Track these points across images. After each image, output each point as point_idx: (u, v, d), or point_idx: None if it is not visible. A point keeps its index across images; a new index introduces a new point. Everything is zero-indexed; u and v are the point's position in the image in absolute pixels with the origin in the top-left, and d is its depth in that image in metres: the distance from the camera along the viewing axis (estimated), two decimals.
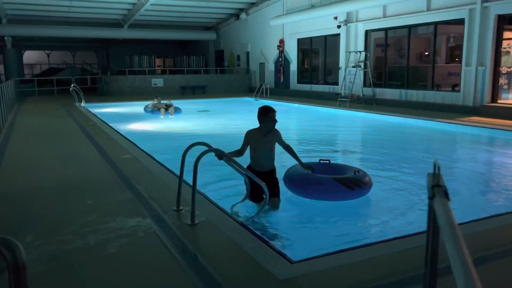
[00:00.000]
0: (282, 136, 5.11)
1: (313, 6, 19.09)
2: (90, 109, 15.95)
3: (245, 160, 5.12)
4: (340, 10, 17.29)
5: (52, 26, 24.64)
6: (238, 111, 17.27)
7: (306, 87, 21.01)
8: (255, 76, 25.79)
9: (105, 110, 16.97)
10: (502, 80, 12.73)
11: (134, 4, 23.12)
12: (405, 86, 15.71)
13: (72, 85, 18.27)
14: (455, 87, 14.26)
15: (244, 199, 5.07)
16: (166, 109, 14.79)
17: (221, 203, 4.96)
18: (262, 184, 4.53)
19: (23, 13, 23.22)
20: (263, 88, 21.76)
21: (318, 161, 5.67)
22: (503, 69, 12.68)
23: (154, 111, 14.82)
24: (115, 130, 10.69)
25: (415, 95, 15.13)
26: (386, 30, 16.32)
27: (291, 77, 22.17)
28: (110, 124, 11.80)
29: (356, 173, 5.24)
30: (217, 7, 24.78)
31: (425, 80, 15.52)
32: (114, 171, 6.47)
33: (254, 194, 4.97)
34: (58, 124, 12.11)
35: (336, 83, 19.09)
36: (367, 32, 17.08)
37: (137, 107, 16.76)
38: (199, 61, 28.91)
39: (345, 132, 12.32)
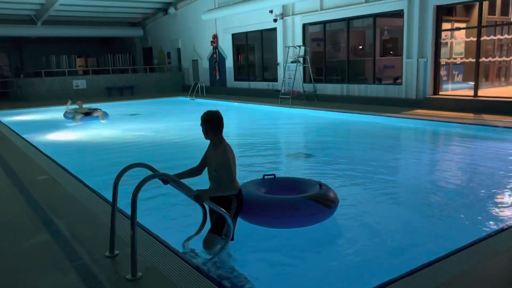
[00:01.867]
0: (227, 160, 3.70)
1: None
2: None
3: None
4: (276, 3, 16.57)
5: None
6: (174, 113, 15.96)
7: (244, 84, 20.11)
8: (188, 74, 24.43)
9: (18, 118, 14.84)
10: (442, 72, 12.71)
11: None
12: (346, 81, 15.36)
13: None
14: (396, 79, 14.12)
15: (198, 232, 3.98)
16: (88, 114, 13.10)
17: (171, 238, 3.86)
18: (222, 212, 3.51)
19: None
20: (198, 87, 20.54)
21: (262, 177, 4.68)
22: (443, 61, 12.65)
23: (82, 118, 12.98)
24: (29, 143, 9.02)
25: (357, 89, 14.81)
26: (324, 23, 15.85)
27: (228, 74, 21.15)
28: (23, 136, 10.04)
29: (321, 187, 4.36)
30: (142, 0, 23.02)
31: (364, 74, 15.28)
32: (25, 200, 5.08)
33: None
34: None
35: (275, 80, 18.40)
36: (304, 26, 16.51)
37: (57, 112, 14.81)
38: (126, 60, 26.87)
39: (291, 132, 11.58)
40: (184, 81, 24.74)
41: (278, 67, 17.91)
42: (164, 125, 12.77)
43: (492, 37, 12.35)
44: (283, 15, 17.12)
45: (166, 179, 3.35)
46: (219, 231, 3.67)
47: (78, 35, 25.83)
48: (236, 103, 17.21)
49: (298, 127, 12.28)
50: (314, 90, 15.98)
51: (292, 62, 16.18)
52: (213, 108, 3.92)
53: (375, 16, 13.97)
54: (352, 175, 6.47)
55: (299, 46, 15.87)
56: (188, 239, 3.91)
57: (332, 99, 15.36)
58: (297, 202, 3.94)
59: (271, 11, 17.45)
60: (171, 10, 23.83)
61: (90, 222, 4.33)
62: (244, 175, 5.88)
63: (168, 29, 24.99)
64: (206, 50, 22.33)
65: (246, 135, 10.74)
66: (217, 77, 21.81)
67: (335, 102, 15.02)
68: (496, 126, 9.30)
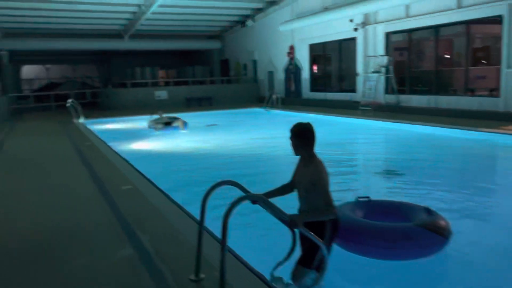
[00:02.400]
0: (320, 179, 3.27)
1: (326, 9, 17.79)
2: (89, 126, 14.63)
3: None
4: (357, 12, 15.98)
5: (50, 39, 23.48)
6: (249, 124, 15.93)
7: (320, 95, 19.63)
8: (263, 85, 24.46)
9: (105, 126, 15.65)
10: None
11: (134, 13, 21.93)
12: (433, 92, 14.29)
13: (69, 101, 16.97)
14: (492, 91, 12.85)
15: (287, 258, 3.62)
16: (168, 124, 13.43)
17: (256, 261, 3.56)
18: (317, 242, 3.13)
19: (20, 26, 22.10)
20: (273, 98, 20.41)
21: (356, 199, 4.24)
22: None
23: (162, 128, 13.37)
24: (115, 152, 9.33)
25: (445, 101, 13.69)
26: (409, 31, 14.94)
27: (303, 85, 20.81)
28: (110, 144, 10.46)
29: (430, 213, 3.82)
30: (221, 14, 23.55)
31: (453, 85, 14.14)
32: (112, 211, 5.10)
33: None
34: (51, 146, 10.76)
35: (353, 90, 17.71)
36: (387, 35, 15.71)
37: (140, 122, 15.43)
38: (205, 71, 27.64)
39: (374, 147, 10.91)
40: (259, 92, 24.80)
41: (357, 77, 17.22)
42: (241, 136, 12.71)
43: None
44: (364, 24, 16.45)
45: (258, 200, 3.06)
46: (309, 262, 3.28)
47: (160, 48, 27.08)
48: (311, 114, 16.77)
49: (381, 141, 11.57)
50: (397, 102, 15.08)
51: (373, 72, 15.44)
52: (302, 121, 3.51)
53: (468, 23, 12.85)
54: (452, 199, 5.77)
55: (382, 56, 15.10)
56: (277, 266, 3.57)
57: (417, 111, 14.34)
58: (410, 230, 3.44)
59: (351, 20, 16.87)
60: (249, 22, 24.10)
61: (174, 238, 4.18)
62: (339, 194, 5.47)
63: (244, 41, 25.30)
64: (282, 61, 22.21)
65: (324, 148, 10.28)
66: (292, 88, 21.55)
67: (420, 114, 14.00)
68: None
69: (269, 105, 20.03)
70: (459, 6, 12.85)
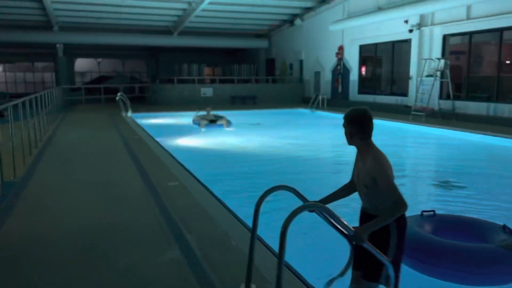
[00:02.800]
0: (382, 172, 2.76)
1: (380, 9, 17.16)
2: (137, 120, 14.85)
3: None
4: (413, 12, 15.28)
5: (102, 34, 24.18)
6: (293, 124, 15.62)
7: (368, 98, 18.99)
8: (309, 86, 24.05)
9: (152, 121, 15.85)
10: None
11: (184, 10, 22.16)
12: (493, 99, 13.40)
13: (118, 94, 17.34)
14: None
15: (344, 273, 3.31)
16: (213, 121, 13.37)
17: (310, 276, 3.29)
18: (381, 258, 2.80)
19: (74, 20, 22.87)
20: (319, 99, 19.98)
21: (420, 213, 3.83)
22: None
23: (207, 124, 13.34)
24: (162, 147, 9.32)
25: (507, 110, 12.79)
26: (469, 34, 14.10)
27: (351, 87, 20.23)
28: (157, 139, 10.49)
29: (506, 230, 3.41)
30: (270, 12, 23.34)
31: (509, 92, 13.21)
32: (158, 209, 4.98)
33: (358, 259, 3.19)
34: (100, 138, 10.94)
35: (404, 94, 16.99)
36: (445, 37, 14.92)
37: (186, 118, 15.50)
38: (250, 70, 27.58)
39: (429, 155, 10.32)
40: (304, 93, 24.41)
41: (409, 81, 16.49)
42: (284, 136, 12.43)
43: None
44: (420, 25, 15.71)
45: (322, 211, 2.77)
46: (376, 276, 2.94)
47: (208, 45, 27.25)
48: None
49: (436, 149, 10.96)
50: (453, 108, 14.27)
51: (427, 76, 14.70)
52: (360, 106, 3.03)
53: None
54: None
55: (438, 59, 14.34)
56: (331, 281, 3.27)
57: (474, 119, 13.49)
58: (497, 253, 3.06)
59: (406, 21, 16.17)
60: (297, 21, 23.75)
61: (222, 243, 3.98)
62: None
63: (292, 40, 24.96)
64: (329, 61, 21.71)
65: None
66: (339, 90, 21.01)
67: (478, 122, 13.16)
68: None
69: (315, 106, 19.62)
70: None
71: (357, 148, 2.97)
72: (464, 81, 14.63)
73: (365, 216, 2.98)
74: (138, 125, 13.37)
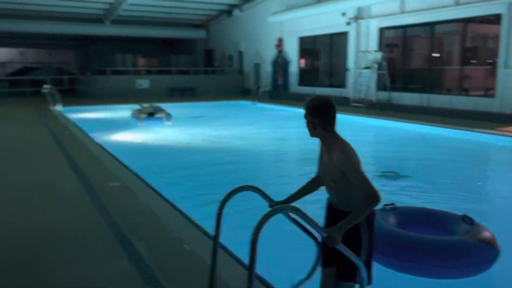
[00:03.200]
0: (350, 164, 2.57)
1: (318, 1, 17.31)
2: (67, 115, 13.76)
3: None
4: (350, 5, 15.56)
5: (25, 21, 22.19)
6: (238, 117, 15.36)
7: (309, 90, 19.19)
8: (249, 78, 23.89)
9: (85, 115, 14.81)
10: None
11: None
12: (426, 91, 14.04)
13: (46, 87, 16.00)
14: (487, 91, 12.69)
15: (311, 275, 3.10)
16: (152, 114, 12.70)
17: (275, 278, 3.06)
18: (354, 260, 2.61)
19: None
20: (260, 91, 19.90)
21: (382, 207, 3.70)
22: None
23: (145, 118, 12.61)
24: (98, 144, 8.64)
25: (439, 100, 13.45)
26: (404, 27, 14.62)
27: (291, 79, 20.34)
28: (91, 135, 9.73)
29: (466, 221, 3.41)
30: (208, 2, 22.76)
31: (447, 84, 13.93)
32: (100, 213, 4.49)
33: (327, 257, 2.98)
34: (27, 135, 9.94)
35: (343, 86, 17.36)
36: (381, 30, 15.37)
37: (121, 111, 14.65)
38: (189, 61, 26.83)
39: (371, 146, 10.55)
40: (244, 85, 24.23)
41: (347, 73, 16.86)
42: (229, 130, 12.15)
43: None
44: (357, 18, 16.06)
45: (295, 213, 2.52)
46: (352, 274, 2.68)
47: (143, 35, 26.09)
48: (302, 109, 16.32)
49: (377, 140, 11.23)
50: (389, 99, 14.78)
51: (365, 68, 15.07)
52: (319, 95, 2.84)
53: (465, 21, 12.59)
54: (474, 206, 5.39)
55: (376, 51, 14.74)
56: (297, 285, 3.05)
57: (410, 109, 14.09)
58: (466, 244, 3.01)
59: (343, 14, 16.46)
60: (236, 12, 23.42)
61: (176, 249, 3.62)
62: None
63: (231, 31, 24.62)
64: (269, 53, 21.66)
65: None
66: (280, 82, 21.05)
67: (413, 113, 13.75)
68: None
69: (257, 99, 19.52)
70: (457, 3, 12.57)
71: (321, 140, 2.75)
72: (399, 73, 15.18)
73: (333, 212, 2.78)
74: (69, 120, 12.39)
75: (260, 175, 7.08)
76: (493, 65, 14.20)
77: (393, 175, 7.19)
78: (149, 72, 24.67)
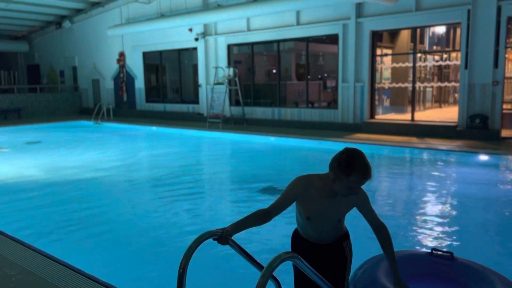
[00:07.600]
0: (367, 198, 2.48)
1: (162, 16, 16.73)
2: None
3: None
4: (196, 21, 15.36)
5: None
6: (80, 140, 13.58)
7: (158, 106, 18.35)
8: (86, 95, 21.72)
9: None
10: (376, 96, 12.82)
11: None
12: (276, 104, 14.75)
13: None
14: (330, 104, 13.95)
15: None
16: None
17: None
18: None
19: None
20: (103, 110, 18.22)
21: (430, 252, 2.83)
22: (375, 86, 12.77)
23: None
24: None
25: (289, 113, 14.26)
26: (251, 44, 15.13)
27: (137, 96, 19.15)
28: None
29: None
30: (29, 11, 19.77)
31: (295, 98, 14.93)
32: None
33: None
34: None
35: (196, 102, 17.08)
36: (229, 46, 15.62)
37: None
38: (10, 78, 23.01)
39: (233, 160, 10.45)
40: (81, 103, 21.95)
41: (199, 88, 16.65)
42: (76, 155, 10.58)
43: (420, 63, 12.86)
44: (204, 34, 16.02)
45: (302, 266, 2.07)
46: None
47: None
48: (154, 127, 15.44)
49: (238, 154, 11.18)
50: (243, 114, 15.06)
51: (217, 83, 15.08)
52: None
53: (308, 39, 13.65)
54: None
55: (228, 67, 14.87)
56: None
57: (263, 123, 14.61)
58: None
59: (190, 30, 16.24)
60: (66, 23, 21.07)
61: None
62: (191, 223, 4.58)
63: (61, 44, 22.06)
64: (110, 68, 20.06)
65: (177, 165, 9.28)
66: (125, 99, 19.65)
67: (266, 126, 14.30)
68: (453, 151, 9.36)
69: (99, 118, 17.79)
70: (298, 23, 13.55)
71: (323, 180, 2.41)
72: (248, 89, 15.63)
73: (315, 247, 2.54)
74: None
75: (114, 209, 6.16)
76: (323, 80, 15.91)
77: (262, 189, 7.08)
78: None
